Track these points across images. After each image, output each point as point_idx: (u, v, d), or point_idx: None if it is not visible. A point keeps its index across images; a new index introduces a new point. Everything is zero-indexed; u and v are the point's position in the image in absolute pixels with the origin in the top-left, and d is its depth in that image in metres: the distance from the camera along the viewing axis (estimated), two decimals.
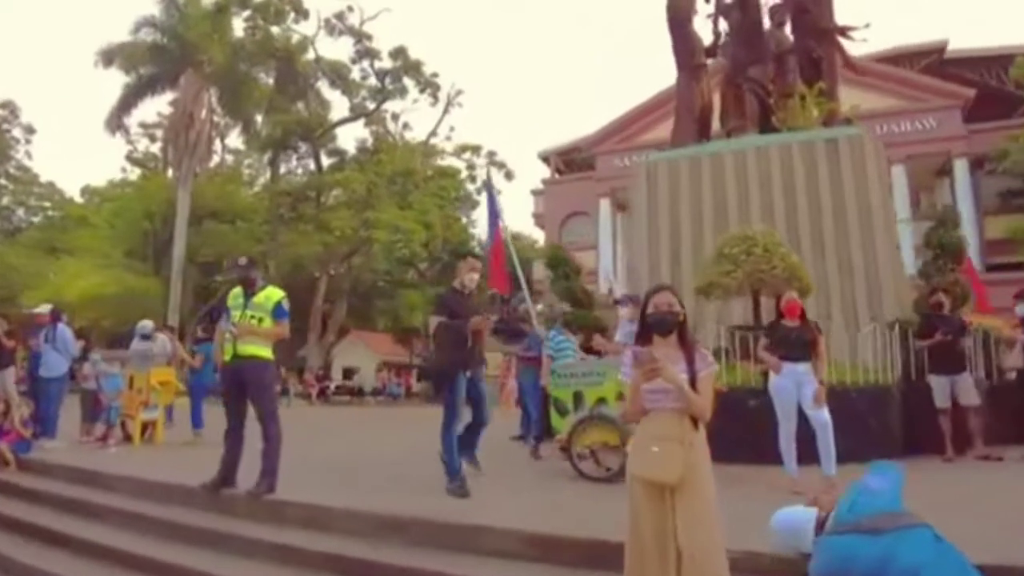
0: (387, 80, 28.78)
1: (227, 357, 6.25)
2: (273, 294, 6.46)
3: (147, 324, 12.00)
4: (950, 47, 32.89)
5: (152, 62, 26.08)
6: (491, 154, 30.36)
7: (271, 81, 28.76)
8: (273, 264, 29.29)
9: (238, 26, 27.77)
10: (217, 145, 30.12)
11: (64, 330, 10.35)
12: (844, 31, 13.13)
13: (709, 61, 14.67)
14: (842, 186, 11.72)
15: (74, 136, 78.26)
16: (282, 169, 32.07)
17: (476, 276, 6.63)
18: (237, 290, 6.49)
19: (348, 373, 34.15)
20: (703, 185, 12.34)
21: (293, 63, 27.98)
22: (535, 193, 41.04)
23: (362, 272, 29.98)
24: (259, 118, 28.02)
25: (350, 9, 28.57)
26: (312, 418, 17.15)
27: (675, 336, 3.39)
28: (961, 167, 29.26)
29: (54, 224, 35.02)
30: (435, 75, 29.62)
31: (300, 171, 32.09)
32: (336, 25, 27.79)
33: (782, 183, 12.03)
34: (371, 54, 28.50)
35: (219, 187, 29.82)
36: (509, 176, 33.63)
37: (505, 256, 14.56)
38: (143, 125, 33.27)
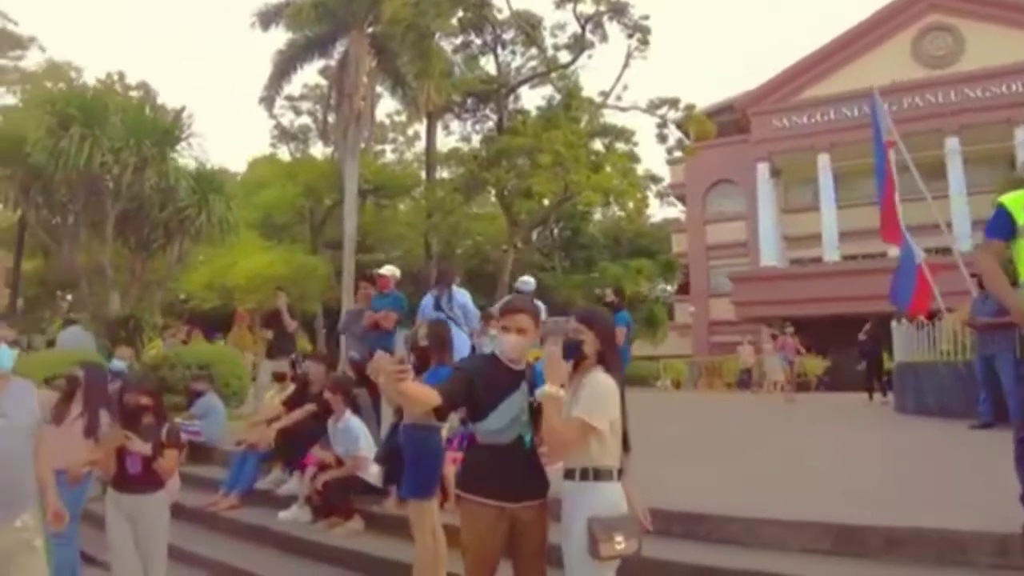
0: (588, 27, 26.21)
1: None
2: None
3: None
4: None
5: (316, 22, 23.91)
6: (690, 107, 27.41)
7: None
8: (436, 240, 27.21)
9: None
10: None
11: (462, 294, 8.08)
12: None
13: None
14: None
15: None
16: (453, 135, 30.10)
17: None
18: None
19: None
20: None
21: (485, 13, 25.52)
22: (671, 162, 38.35)
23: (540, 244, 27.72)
24: (412, 81, 25.56)
25: None
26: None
27: None
28: None
29: None
30: (645, 17, 26.09)
31: (476, 136, 29.75)
32: None
33: None
34: None
35: (378, 160, 27.78)
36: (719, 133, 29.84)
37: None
38: (289, 98, 31.38)
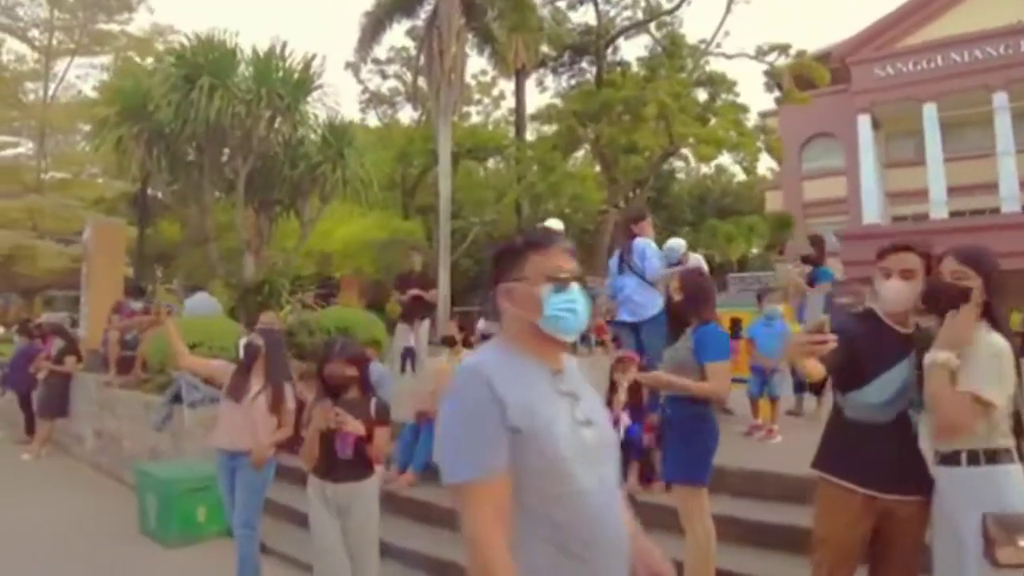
0: None
1: None
2: None
3: None
4: None
5: None
6: (800, 53, 25.85)
7: None
8: (526, 202, 26.40)
9: None
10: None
11: (643, 242, 7.18)
12: None
13: None
14: None
15: None
16: (547, 92, 29.07)
17: None
18: None
19: None
20: None
21: None
22: (764, 115, 36.54)
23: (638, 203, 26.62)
24: (502, 37, 24.53)
25: None
26: None
27: None
28: None
29: None
30: None
31: (572, 92, 28.59)
32: None
33: None
34: None
35: (464, 123, 27.01)
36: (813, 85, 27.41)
37: None
38: (375, 61, 30.78)
